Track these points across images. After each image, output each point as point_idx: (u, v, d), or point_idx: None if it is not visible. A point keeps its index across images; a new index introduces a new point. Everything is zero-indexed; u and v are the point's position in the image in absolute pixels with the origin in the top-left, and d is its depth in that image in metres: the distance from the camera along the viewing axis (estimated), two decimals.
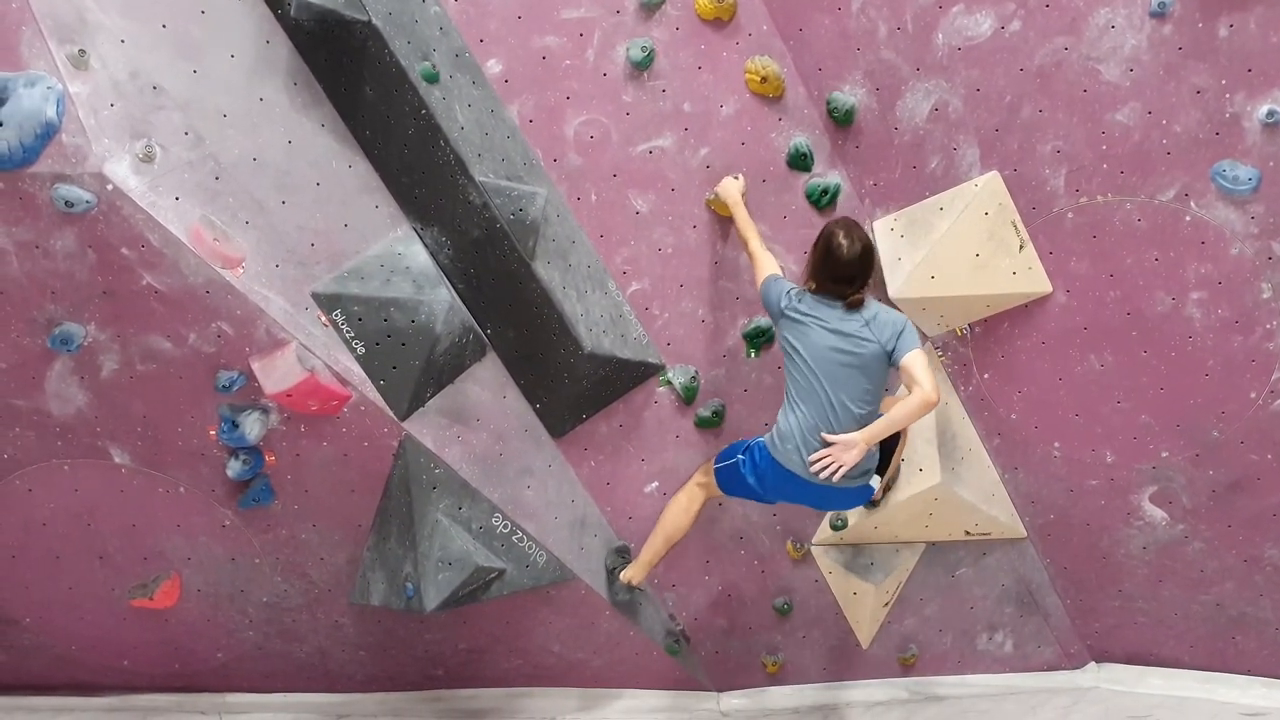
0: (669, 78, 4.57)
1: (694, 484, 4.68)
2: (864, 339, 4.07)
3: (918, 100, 4.55)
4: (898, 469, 4.86)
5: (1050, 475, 4.95)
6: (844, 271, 4.09)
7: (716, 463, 4.54)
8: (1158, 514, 4.91)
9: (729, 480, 4.48)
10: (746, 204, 4.55)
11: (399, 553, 4.66)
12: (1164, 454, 4.78)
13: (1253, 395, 4.60)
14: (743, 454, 4.39)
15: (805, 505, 4.43)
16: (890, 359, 4.08)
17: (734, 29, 4.56)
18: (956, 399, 4.92)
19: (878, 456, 4.28)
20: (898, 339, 4.05)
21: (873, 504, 4.91)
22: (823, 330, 4.09)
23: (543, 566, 4.83)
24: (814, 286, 4.17)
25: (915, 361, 3.99)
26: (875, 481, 4.33)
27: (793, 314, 4.15)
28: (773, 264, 4.37)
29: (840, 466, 4.05)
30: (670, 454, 4.95)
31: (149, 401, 4.44)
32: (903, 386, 4.19)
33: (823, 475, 4.10)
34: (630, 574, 4.82)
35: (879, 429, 4.06)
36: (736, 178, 4.61)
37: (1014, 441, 4.93)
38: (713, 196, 4.66)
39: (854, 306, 4.11)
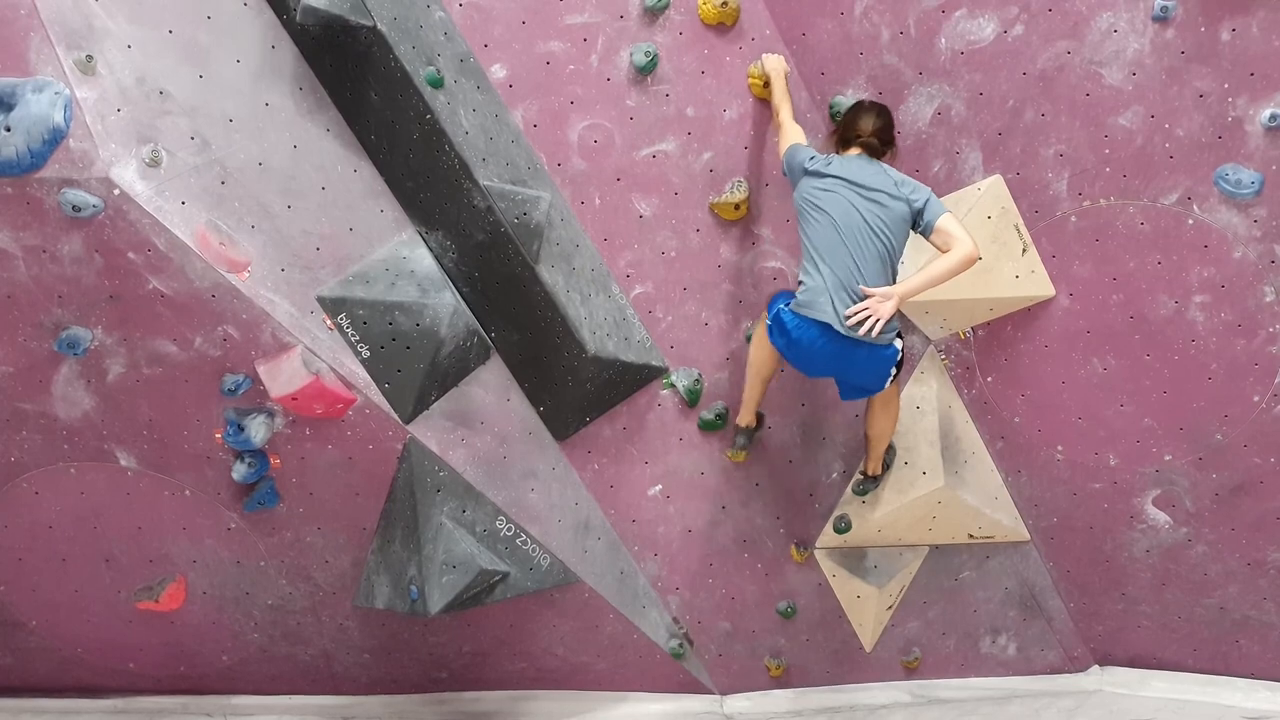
0: (672, 82, 4.59)
1: (760, 325, 4.59)
2: (894, 195, 4.08)
3: (920, 104, 4.56)
4: (893, 450, 4.87)
5: (1053, 478, 4.95)
6: (869, 122, 4.21)
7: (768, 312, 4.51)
8: (1161, 517, 4.91)
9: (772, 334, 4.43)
10: (788, 85, 4.51)
11: (403, 556, 4.67)
12: (1167, 457, 4.79)
13: (1256, 399, 4.61)
14: (770, 321, 4.36)
15: (835, 369, 4.31)
16: (918, 220, 4.09)
17: (737, 34, 4.58)
18: (960, 402, 4.93)
19: (899, 337, 4.26)
20: (926, 203, 4.08)
21: (870, 481, 4.87)
22: (850, 189, 4.09)
23: (546, 569, 4.83)
24: (840, 149, 4.26)
25: (950, 222, 4.04)
26: (899, 344, 4.27)
27: (819, 172, 4.13)
28: (800, 135, 4.36)
29: (877, 320, 4.01)
30: (674, 457, 4.96)
31: (155, 405, 4.46)
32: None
33: (861, 330, 4.04)
34: (742, 419, 4.77)
35: (916, 282, 4.05)
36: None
37: (1017, 445, 4.94)
38: (757, 66, 4.58)
39: (873, 151, 4.19)
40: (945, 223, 4.04)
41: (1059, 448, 4.89)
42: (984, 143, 4.55)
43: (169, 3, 4.07)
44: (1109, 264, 4.57)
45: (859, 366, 4.26)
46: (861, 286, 4.06)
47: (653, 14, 4.51)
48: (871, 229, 4.06)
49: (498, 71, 4.50)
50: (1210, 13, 4.19)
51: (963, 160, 4.59)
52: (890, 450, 4.89)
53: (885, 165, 4.20)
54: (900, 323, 4.37)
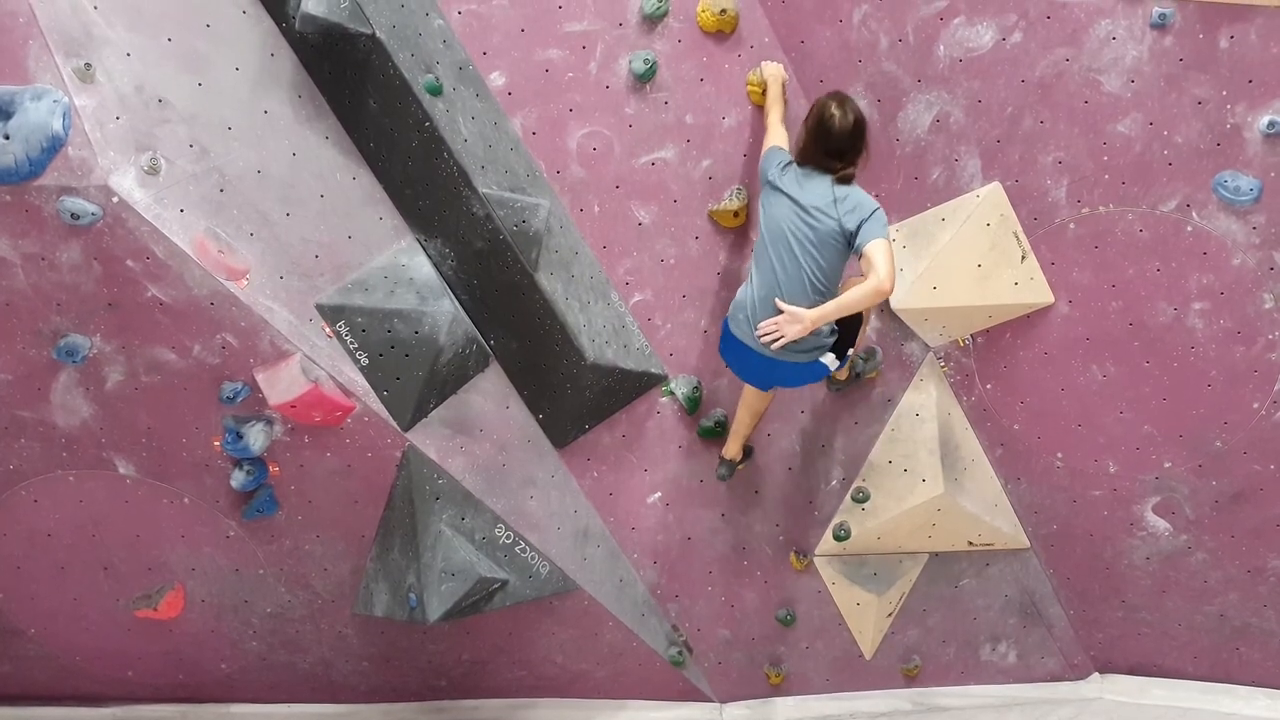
0: (671, 90, 4.59)
1: None
2: (825, 215, 3.98)
3: (919, 111, 4.56)
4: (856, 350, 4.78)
5: (1053, 486, 4.95)
6: (835, 144, 4.00)
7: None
8: (1161, 524, 4.91)
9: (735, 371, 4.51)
10: (785, 92, 4.50)
11: (402, 563, 4.66)
12: (1167, 464, 4.78)
13: (1255, 406, 4.60)
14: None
15: (765, 379, 4.37)
16: (850, 243, 3.98)
17: (736, 41, 4.58)
18: (959, 409, 4.92)
19: (831, 339, 4.19)
20: (861, 225, 3.91)
21: (836, 384, 4.84)
22: (789, 204, 4.03)
23: (545, 577, 4.83)
24: (802, 160, 4.12)
25: (877, 249, 3.85)
26: (830, 360, 4.25)
27: (773, 184, 4.11)
28: (783, 139, 4.31)
29: (781, 337, 4.00)
30: (673, 464, 4.95)
31: (154, 413, 4.45)
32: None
33: (764, 341, 4.06)
34: (729, 451, 4.80)
35: (828, 310, 3.94)
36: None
37: (1016, 452, 4.93)
38: (756, 74, 4.57)
39: (844, 181, 4.03)
40: (871, 249, 3.87)
41: (1059, 455, 4.89)
42: (983, 150, 4.55)
43: (168, 11, 4.06)
44: (1108, 271, 4.57)
45: (787, 379, 4.32)
46: (776, 301, 4.04)
47: (651, 22, 4.51)
48: (799, 246, 4.01)
49: (497, 79, 4.50)
50: (1208, 20, 4.19)
51: (961, 167, 4.59)
52: (872, 356, 4.81)
53: (834, 183, 4.03)
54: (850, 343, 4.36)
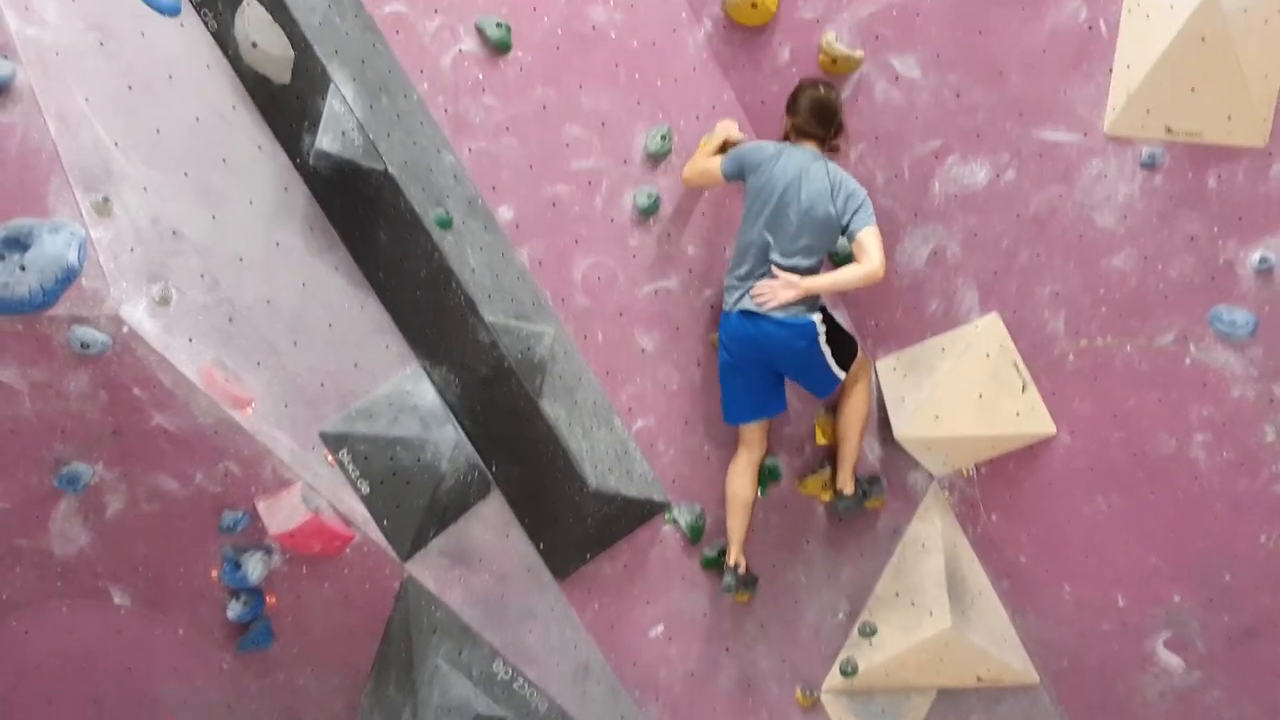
0: (674, 222, 4.70)
1: (733, 460, 4.75)
2: (827, 205, 4.27)
3: (916, 245, 4.67)
4: (878, 483, 4.87)
5: (1061, 619, 4.87)
6: (824, 111, 4.38)
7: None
8: (1173, 660, 4.81)
9: (725, 397, 4.64)
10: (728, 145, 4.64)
11: (397, 700, 4.55)
12: (1176, 598, 4.72)
13: (1263, 539, 4.57)
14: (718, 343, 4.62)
15: (769, 368, 4.50)
16: (845, 229, 4.31)
17: None
18: (964, 540, 4.89)
19: (820, 320, 4.41)
20: (855, 213, 4.29)
21: (843, 502, 4.78)
22: (789, 187, 4.28)
23: (544, 715, 4.70)
24: (795, 136, 4.41)
25: (868, 236, 4.27)
26: (827, 352, 4.44)
27: (763, 167, 4.33)
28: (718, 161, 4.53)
29: (775, 299, 4.32)
30: (676, 596, 4.88)
31: (152, 541, 4.41)
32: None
33: (759, 300, 4.35)
34: (732, 557, 4.74)
35: (822, 281, 4.37)
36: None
37: (1024, 584, 4.88)
38: (707, 139, 4.67)
39: (833, 150, 4.38)
40: (864, 236, 4.27)
41: (1066, 587, 4.83)
42: (980, 282, 4.64)
43: (186, 147, 4.18)
44: (1109, 402, 4.60)
45: (778, 341, 4.41)
46: (772, 267, 4.32)
47: (655, 159, 4.65)
48: (799, 231, 4.28)
49: (505, 212, 4.61)
50: (1196, 160, 4.33)
51: (959, 299, 4.67)
52: (876, 483, 4.84)
53: (829, 165, 4.36)
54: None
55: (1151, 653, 4.82)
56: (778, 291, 4.33)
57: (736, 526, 4.71)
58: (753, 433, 4.66)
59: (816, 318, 4.43)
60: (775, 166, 4.33)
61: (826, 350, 4.44)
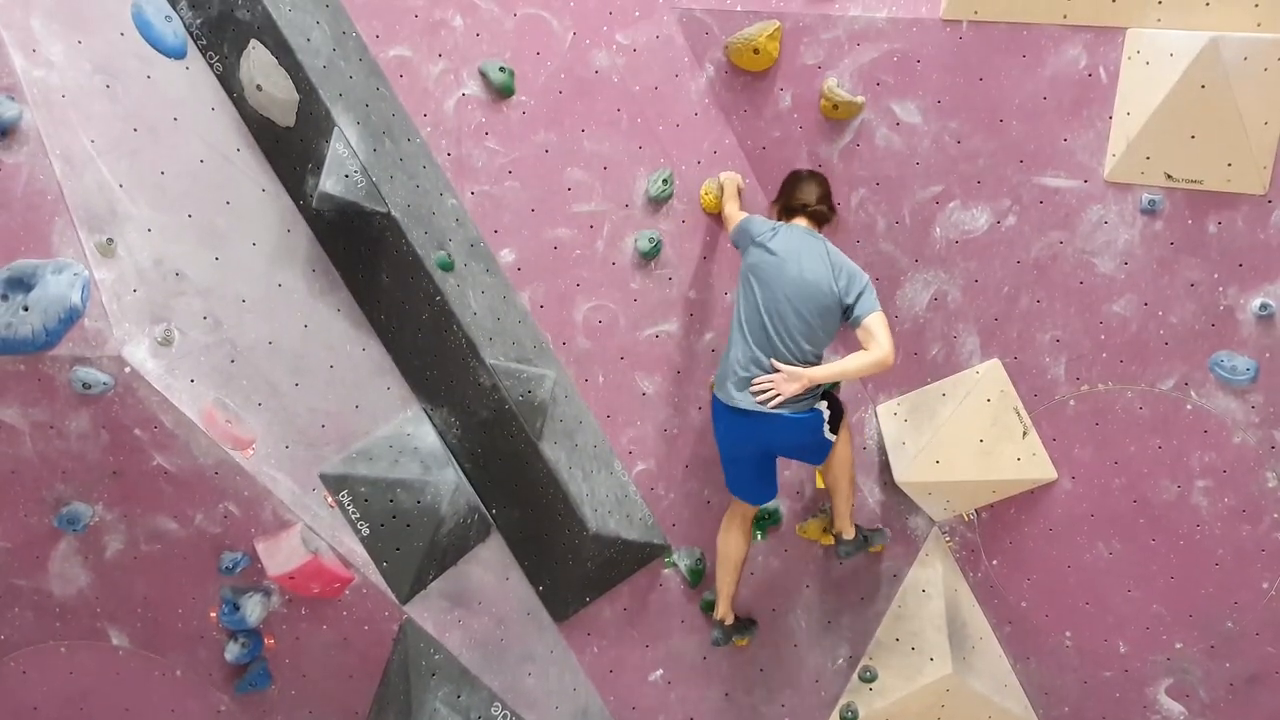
0: (675, 266, 4.71)
1: (727, 514, 4.66)
2: (829, 287, 4.12)
3: (917, 290, 4.67)
4: (882, 532, 4.82)
5: (1063, 665, 4.84)
6: (812, 191, 4.32)
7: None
8: (1175, 708, 4.77)
9: (726, 471, 4.52)
10: (741, 197, 4.65)
11: None
12: (1178, 645, 4.69)
13: (1265, 586, 4.54)
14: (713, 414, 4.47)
15: (761, 442, 4.32)
16: (848, 314, 4.15)
17: None
18: (965, 585, 4.86)
19: (825, 405, 4.29)
20: (859, 298, 4.13)
21: (844, 548, 4.66)
22: (788, 268, 4.14)
23: None
24: (783, 215, 4.36)
25: (876, 322, 4.10)
26: (826, 428, 4.31)
27: (764, 245, 4.20)
28: (743, 215, 4.47)
29: (777, 395, 4.11)
30: (675, 640, 4.86)
31: (151, 582, 4.40)
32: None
33: (761, 398, 4.14)
34: (719, 612, 4.69)
35: (829, 371, 4.15)
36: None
37: (1025, 630, 4.84)
38: (713, 183, 4.67)
39: (819, 220, 4.32)
40: (871, 321, 4.10)
41: (1067, 634, 4.80)
42: (981, 327, 4.64)
43: (190, 189, 4.21)
44: (1110, 448, 4.59)
45: (784, 436, 4.27)
46: (773, 360, 4.14)
47: (657, 203, 4.67)
48: (799, 313, 4.13)
49: (507, 255, 4.63)
50: (1196, 207, 4.34)
51: (960, 344, 4.67)
52: (878, 532, 4.78)
53: (828, 245, 4.23)
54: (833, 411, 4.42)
55: (1153, 700, 4.78)
56: (781, 386, 4.10)
57: (726, 582, 4.66)
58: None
59: (822, 405, 4.28)
60: (772, 242, 4.20)
61: (829, 433, 4.37)
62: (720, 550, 4.64)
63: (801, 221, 4.34)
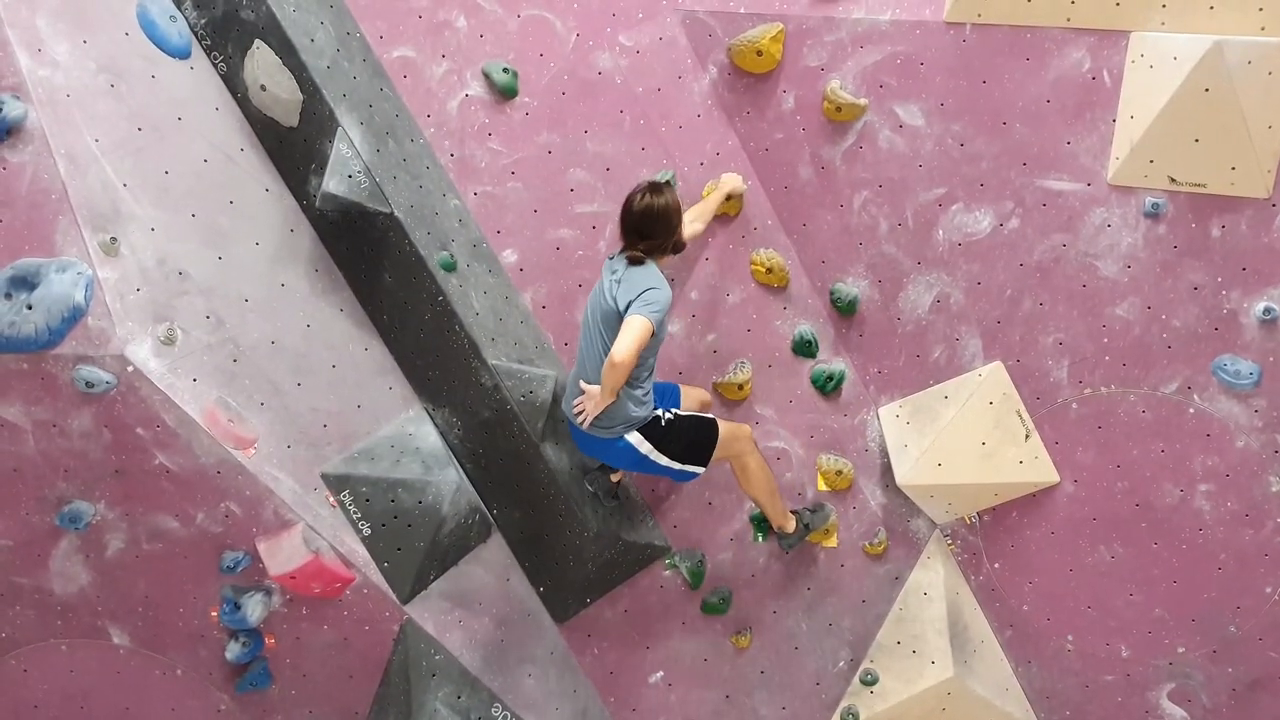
0: (677, 268, 4.71)
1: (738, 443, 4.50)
2: (608, 296, 4.08)
3: (919, 292, 4.67)
4: (824, 510, 4.75)
5: (1065, 669, 4.82)
6: (626, 221, 4.10)
7: None
8: (1177, 713, 4.76)
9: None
10: (741, 202, 4.63)
11: None
12: (1180, 649, 4.67)
13: (1268, 590, 4.53)
14: None
15: (594, 454, 4.37)
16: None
17: (740, 223, 4.73)
18: (967, 588, 4.85)
19: (635, 417, 4.19)
20: (629, 305, 4.00)
21: (786, 540, 4.68)
22: (596, 289, 4.16)
23: None
24: (621, 244, 4.19)
25: (625, 327, 3.97)
26: (638, 440, 4.23)
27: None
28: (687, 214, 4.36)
29: (585, 416, 4.14)
30: (675, 642, 4.85)
31: (152, 581, 4.41)
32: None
33: (576, 418, 4.19)
34: (777, 523, 4.63)
35: (601, 389, 4.05)
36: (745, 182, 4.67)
37: (1027, 634, 4.83)
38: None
39: (633, 261, 4.09)
40: (623, 326, 3.98)
41: (1069, 637, 4.79)
42: (983, 330, 4.63)
43: (194, 188, 4.23)
44: (1112, 451, 4.58)
45: (605, 454, 4.32)
46: (581, 382, 4.18)
47: None
48: (595, 327, 4.14)
49: (509, 256, 4.64)
50: (1200, 210, 4.33)
51: (963, 347, 4.66)
52: (819, 510, 4.73)
53: (626, 266, 4.08)
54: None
55: (1155, 705, 4.77)
56: (584, 405, 4.15)
57: (770, 504, 4.60)
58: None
59: (634, 438, 4.22)
60: (602, 270, 4.20)
61: (664, 460, 4.28)
62: (754, 477, 4.52)
63: (625, 253, 4.18)
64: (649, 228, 4.07)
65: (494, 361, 4.45)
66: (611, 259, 4.20)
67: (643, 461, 4.27)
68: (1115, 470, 4.58)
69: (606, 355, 4.00)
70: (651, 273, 4.06)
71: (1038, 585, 4.77)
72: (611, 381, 4.00)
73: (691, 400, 4.57)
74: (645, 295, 3.99)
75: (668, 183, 4.36)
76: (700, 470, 4.35)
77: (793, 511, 4.70)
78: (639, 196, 4.09)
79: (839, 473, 4.81)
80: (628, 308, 3.98)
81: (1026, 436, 4.61)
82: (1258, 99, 4.11)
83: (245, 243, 4.32)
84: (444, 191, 4.55)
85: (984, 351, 4.65)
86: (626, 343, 3.92)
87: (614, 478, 4.53)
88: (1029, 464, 4.61)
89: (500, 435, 4.54)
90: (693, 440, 4.31)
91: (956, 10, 4.40)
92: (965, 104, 4.48)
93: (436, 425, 4.60)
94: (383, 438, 4.50)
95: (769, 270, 4.70)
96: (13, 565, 4.37)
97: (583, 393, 4.15)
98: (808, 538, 4.77)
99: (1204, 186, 4.30)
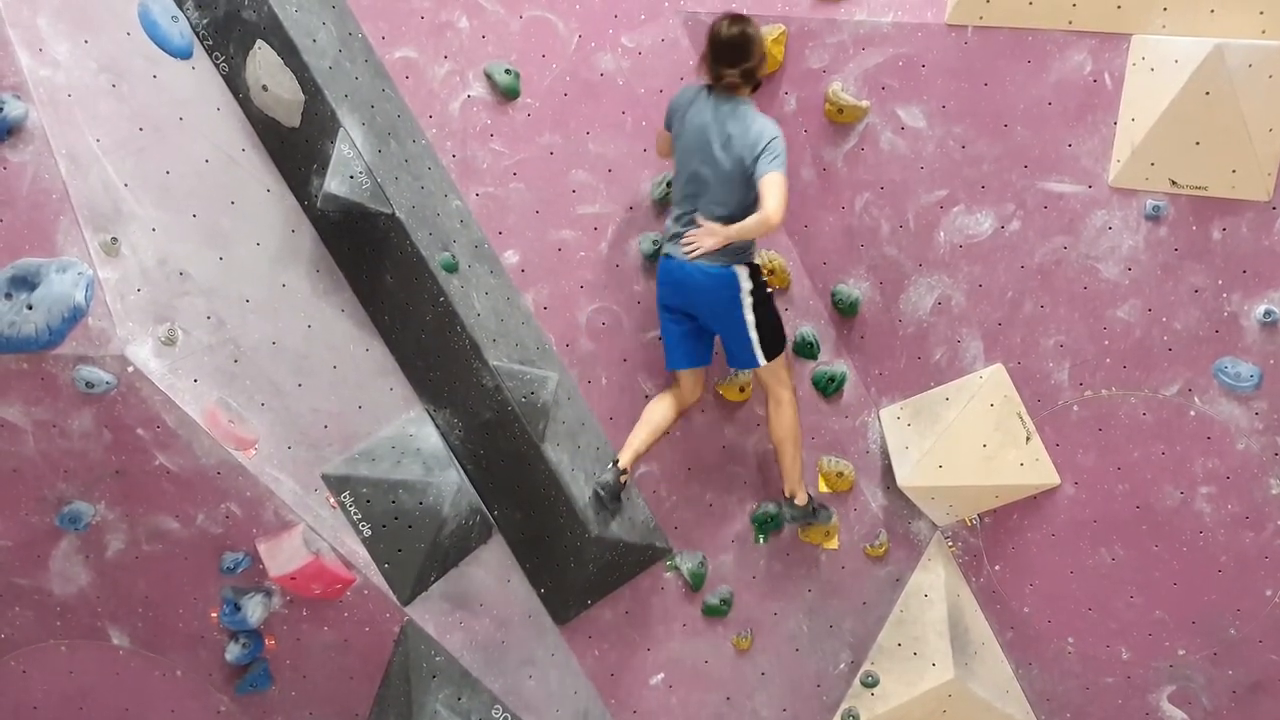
0: None
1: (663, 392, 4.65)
2: (737, 148, 4.14)
3: (921, 294, 4.67)
4: (827, 510, 4.74)
5: (1065, 672, 4.83)
6: (715, 49, 4.18)
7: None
8: (1178, 715, 4.76)
9: (665, 339, 4.55)
10: None
11: None
12: (1181, 652, 4.68)
13: (1268, 593, 4.54)
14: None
15: (688, 308, 4.41)
16: (750, 176, 4.16)
17: None
18: (968, 591, 4.85)
19: (747, 249, 4.34)
20: (757, 160, 4.10)
21: (794, 509, 4.65)
22: (706, 132, 4.20)
23: None
24: (708, 77, 4.26)
25: (768, 184, 4.07)
26: (756, 340, 4.35)
27: (682, 112, 4.28)
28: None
29: (697, 247, 4.23)
30: (676, 644, 4.85)
31: (152, 582, 4.40)
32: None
33: (685, 251, 4.27)
34: (623, 459, 4.53)
35: (733, 230, 4.17)
36: None
37: (1027, 636, 4.83)
38: None
39: (729, 89, 4.19)
40: (765, 183, 4.08)
41: (1070, 640, 4.79)
42: (984, 332, 4.64)
43: (195, 188, 4.22)
44: (1113, 453, 4.58)
45: (705, 296, 4.34)
46: (697, 216, 4.26)
47: (661, 205, 4.67)
48: (712, 178, 4.20)
49: (511, 257, 4.64)
50: (1200, 213, 4.34)
51: (964, 349, 4.67)
52: (824, 510, 4.71)
53: (740, 105, 4.20)
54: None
55: (1156, 707, 4.77)
56: (700, 240, 4.25)
57: (639, 437, 4.54)
58: (684, 378, 4.58)
59: (742, 271, 4.33)
60: (689, 112, 4.26)
61: (750, 316, 4.36)
62: (645, 412, 4.56)
63: (723, 86, 4.26)
64: (744, 50, 4.17)
65: (495, 363, 4.45)
66: (697, 96, 4.26)
67: (731, 305, 4.34)
68: (1116, 472, 4.59)
69: (722, 201, 4.19)
70: (760, 116, 4.21)
71: (1038, 587, 4.77)
72: (757, 233, 4.16)
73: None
74: (771, 147, 4.11)
75: (742, 15, 4.38)
76: (761, 360, 4.40)
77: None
78: (725, 25, 4.20)
79: (840, 474, 4.82)
80: (756, 161, 4.10)
81: (1027, 438, 4.61)
82: (1258, 102, 4.12)
83: (246, 243, 4.31)
84: (446, 192, 4.55)
85: (985, 353, 4.66)
86: (780, 201, 4.05)
87: (621, 479, 4.53)
88: (1030, 466, 4.62)
89: (501, 436, 4.54)
90: (774, 326, 4.44)
91: (958, 13, 4.41)
92: (967, 106, 4.49)
93: (438, 426, 4.60)
94: (384, 439, 4.50)
95: (770, 271, 4.69)
96: (12, 566, 4.36)
97: (696, 226, 4.26)
98: (806, 538, 4.78)
99: (1205, 189, 4.31)
